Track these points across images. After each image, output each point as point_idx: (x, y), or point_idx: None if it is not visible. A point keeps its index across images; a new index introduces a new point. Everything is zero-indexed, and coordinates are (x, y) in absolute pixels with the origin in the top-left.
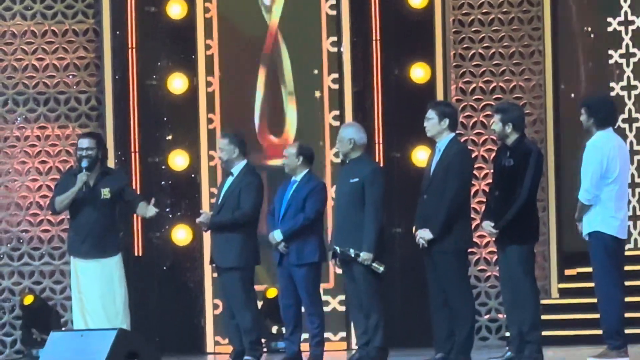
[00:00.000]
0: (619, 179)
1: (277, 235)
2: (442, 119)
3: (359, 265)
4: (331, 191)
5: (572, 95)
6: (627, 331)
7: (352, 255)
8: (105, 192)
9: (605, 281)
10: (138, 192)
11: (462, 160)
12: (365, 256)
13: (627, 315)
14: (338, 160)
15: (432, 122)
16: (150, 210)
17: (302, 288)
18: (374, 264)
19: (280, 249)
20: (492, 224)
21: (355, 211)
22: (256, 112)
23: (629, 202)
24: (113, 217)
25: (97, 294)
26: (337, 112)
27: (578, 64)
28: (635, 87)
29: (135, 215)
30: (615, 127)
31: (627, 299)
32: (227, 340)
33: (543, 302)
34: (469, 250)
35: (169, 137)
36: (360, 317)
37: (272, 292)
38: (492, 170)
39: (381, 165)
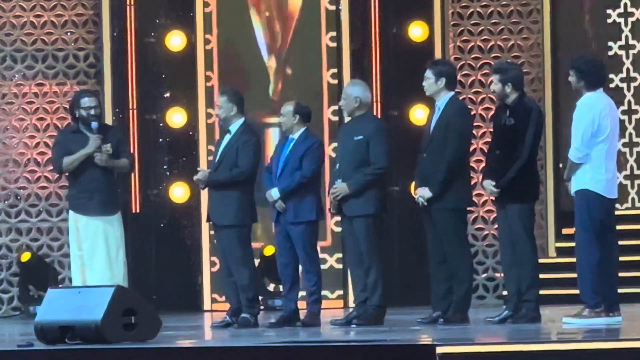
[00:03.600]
0: (609, 138)
1: (274, 193)
2: (438, 78)
3: (360, 220)
4: (329, 149)
5: (571, 54)
6: (621, 290)
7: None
8: (108, 148)
9: (583, 239)
10: (136, 149)
11: (462, 118)
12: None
13: (621, 274)
14: (336, 119)
15: (429, 82)
16: (100, 151)
17: (300, 246)
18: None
19: (278, 207)
20: (493, 183)
21: (359, 169)
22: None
23: (627, 161)
24: (113, 174)
25: (101, 250)
26: (334, 70)
27: (576, 24)
28: (633, 47)
29: (133, 173)
30: (610, 86)
31: (622, 258)
32: (224, 298)
33: (540, 261)
34: (467, 209)
35: (167, 95)
36: (359, 274)
37: (269, 250)
38: (490, 129)
39: None
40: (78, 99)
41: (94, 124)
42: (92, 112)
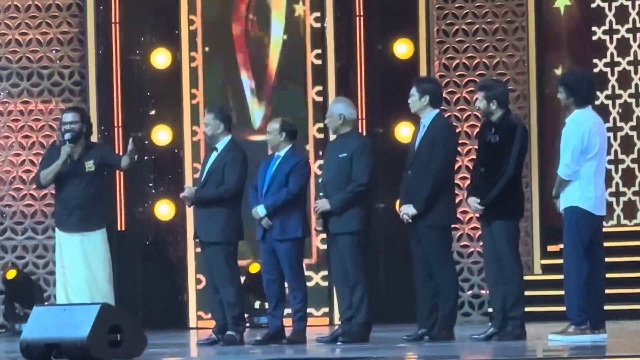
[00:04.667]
0: (598, 155)
1: (260, 210)
2: (423, 95)
3: (345, 237)
4: (314, 166)
5: (556, 71)
6: (607, 307)
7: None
8: (90, 165)
9: (572, 256)
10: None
11: (447, 136)
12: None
13: (608, 291)
14: (321, 136)
15: (413, 99)
16: (125, 160)
17: (285, 263)
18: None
19: (264, 224)
20: (478, 200)
21: (344, 186)
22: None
23: (612, 178)
24: (99, 191)
25: (81, 268)
26: (320, 88)
27: (561, 41)
28: (618, 64)
29: (118, 189)
30: (596, 103)
31: (608, 275)
32: (209, 315)
33: (526, 278)
34: (452, 226)
35: (152, 112)
36: (345, 291)
37: (254, 267)
38: (475, 146)
39: None
40: (61, 116)
41: (67, 135)
42: (68, 126)
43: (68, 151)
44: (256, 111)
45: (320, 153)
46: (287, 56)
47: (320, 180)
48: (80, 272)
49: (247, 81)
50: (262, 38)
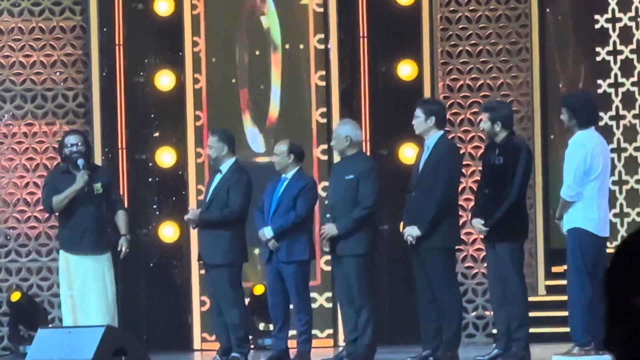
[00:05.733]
0: (601, 176)
1: (267, 232)
2: (428, 117)
3: (351, 260)
4: (318, 188)
5: (560, 92)
6: None
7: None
8: (98, 187)
9: (575, 278)
10: (126, 189)
11: (451, 157)
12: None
13: None
14: (325, 158)
15: (418, 120)
16: (123, 247)
17: (292, 285)
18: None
19: (271, 246)
20: (482, 222)
21: (350, 209)
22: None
23: (616, 199)
24: (103, 213)
25: (92, 290)
26: (324, 109)
27: (565, 61)
28: (622, 85)
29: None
30: (600, 124)
31: None
32: (214, 337)
33: (530, 299)
34: (456, 247)
35: (156, 134)
36: (350, 313)
37: (259, 289)
38: (479, 168)
39: None
40: (63, 139)
41: (80, 161)
42: (75, 149)
43: (86, 179)
44: (259, 133)
45: (324, 174)
46: (290, 78)
47: (326, 202)
48: (91, 294)
49: (251, 103)
50: (266, 60)
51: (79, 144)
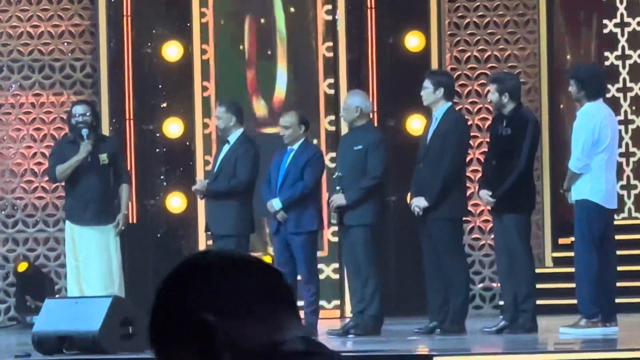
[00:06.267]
0: (609, 148)
1: (275, 204)
2: (437, 88)
3: (358, 230)
4: (326, 159)
5: (568, 64)
6: (619, 300)
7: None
8: (104, 158)
9: (583, 249)
10: (133, 160)
11: (459, 129)
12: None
13: (619, 284)
14: (333, 129)
15: (427, 92)
16: (117, 227)
17: (300, 256)
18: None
19: (279, 218)
20: (490, 193)
21: (358, 179)
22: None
23: (623, 171)
24: (110, 184)
25: (96, 261)
26: (331, 80)
27: (573, 34)
28: (629, 57)
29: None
30: (607, 96)
31: (619, 268)
32: None
33: (537, 270)
34: (463, 218)
35: (164, 105)
36: (357, 285)
37: (266, 260)
38: (486, 139)
39: None
40: (71, 109)
41: (84, 131)
42: (82, 119)
43: (89, 149)
44: (266, 104)
45: (331, 145)
46: (298, 49)
47: (335, 174)
48: (95, 265)
49: (258, 74)
50: (273, 30)
51: (87, 113)
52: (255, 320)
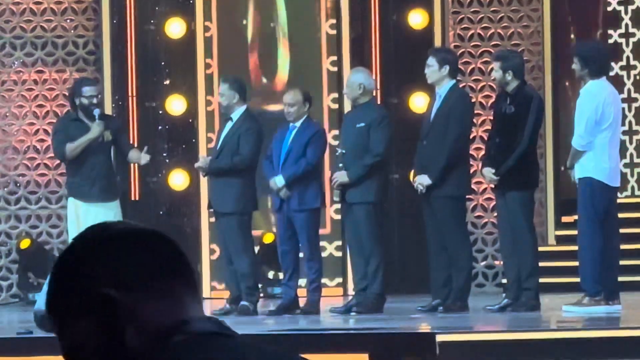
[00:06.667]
0: (612, 126)
1: (278, 181)
2: (442, 65)
3: (361, 207)
4: (329, 137)
5: (571, 42)
6: (622, 278)
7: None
8: (108, 135)
9: (586, 227)
10: (136, 137)
11: (463, 106)
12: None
13: (622, 262)
14: (336, 106)
15: (432, 69)
16: (144, 158)
17: (303, 234)
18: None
19: (282, 195)
20: (493, 171)
21: (361, 157)
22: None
23: (626, 149)
24: (112, 161)
25: None
26: (334, 58)
27: (576, 11)
28: (633, 35)
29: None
30: (610, 74)
31: (622, 247)
32: (223, 286)
33: (540, 249)
34: (466, 196)
35: (167, 82)
36: (359, 262)
37: (268, 238)
38: (490, 117)
39: None
40: (79, 88)
41: (97, 111)
42: (95, 100)
43: (102, 129)
44: (268, 81)
45: (334, 123)
46: (301, 27)
47: (338, 152)
48: None
49: (261, 51)
50: (276, 7)
51: (99, 95)
52: (156, 296)
